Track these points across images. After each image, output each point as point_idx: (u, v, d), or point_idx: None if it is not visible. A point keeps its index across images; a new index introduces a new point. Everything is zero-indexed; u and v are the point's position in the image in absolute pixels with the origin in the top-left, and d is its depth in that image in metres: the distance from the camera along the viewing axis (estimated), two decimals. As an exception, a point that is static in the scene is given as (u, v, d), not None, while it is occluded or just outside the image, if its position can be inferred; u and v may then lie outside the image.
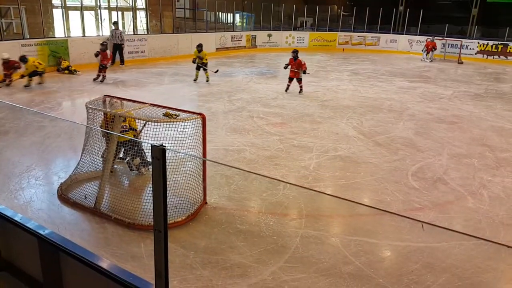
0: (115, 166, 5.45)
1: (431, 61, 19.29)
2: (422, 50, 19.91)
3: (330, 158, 6.54)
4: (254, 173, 5.78)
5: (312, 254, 3.98)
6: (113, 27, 14.83)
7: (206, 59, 12.11)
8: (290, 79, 11.16)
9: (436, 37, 19.85)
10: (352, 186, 5.61)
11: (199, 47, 11.81)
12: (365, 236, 4.32)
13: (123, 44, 14.65)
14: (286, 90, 11.21)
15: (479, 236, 4.31)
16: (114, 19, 17.79)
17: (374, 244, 4.23)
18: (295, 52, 11.06)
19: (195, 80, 12.14)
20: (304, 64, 10.94)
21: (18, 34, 13.80)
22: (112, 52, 13.87)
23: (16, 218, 2.46)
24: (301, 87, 11.16)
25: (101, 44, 11.59)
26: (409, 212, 4.90)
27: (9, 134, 7.09)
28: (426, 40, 19.85)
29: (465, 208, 5.07)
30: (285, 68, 11.11)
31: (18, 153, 6.22)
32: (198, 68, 12.09)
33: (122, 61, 14.71)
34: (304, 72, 10.98)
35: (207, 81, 12.11)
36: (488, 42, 20.35)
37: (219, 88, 11.60)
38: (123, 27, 18.61)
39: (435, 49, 19.49)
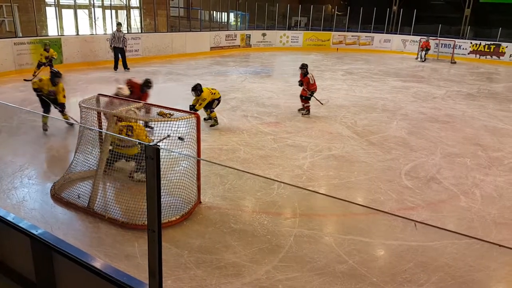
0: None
1: (423, 60, 19.36)
2: (418, 50, 19.97)
3: (324, 157, 6.56)
4: (248, 173, 5.79)
5: (306, 253, 3.99)
6: (116, 29, 13.23)
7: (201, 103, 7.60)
8: (301, 97, 9.10)
9: (430, 37, 19.95)
10: (346, 185, 5.63)
11: (197, 90, 7.57)
12: (358, 235, 4.34)
13: (125, 47, 13.21)
14: (307, 113, 9.03)
15: (472, 235, 4.35)
16: (107, 18, 17.73)
17: (367, 243, 4.25)
18: (304, 67, 8.90)
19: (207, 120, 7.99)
20: (312, 84, 8.88)
21: (11, 32, 13.71)
22: (114, 57, 13.12)
23: (8, 218, 2.44)
24: (306, 107, 9.00)
25: (147, 86, 7.45)
26: (402, 211, 4.93)
27: (2, 133, 7.04)
28: (423, 41, 19.88)
29: (457, 207, 5.11)
30: (300, 85, 9.03)
31: (11, 152, 6.17)
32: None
33: (125, 66, 13.25)
34: (311, 93, 8.87)
35: (212, 125, 7.84)
36: (480, 42, 20.50)
37: (213, 87, 11.55)
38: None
39: (428, 49, 19.57)
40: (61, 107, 7.11)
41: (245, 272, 3.67)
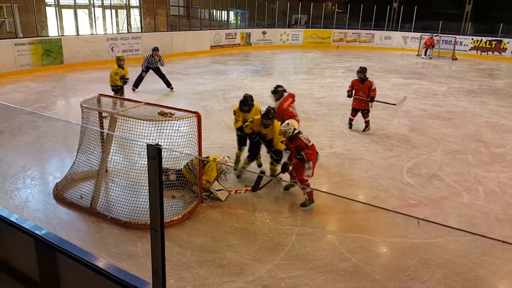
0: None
1: (430, 57, 19.29)
2: (422, 48, 19.90)
3: (325, 155, 6.55)
4: (250, 171, 5.78)
5: (309, 251, 3.99)
6: (151, 53, 10.91)
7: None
8: (355, 111, 7.82)
9: (434, 34, 19.89)
10: (348, 183, 5.63)
11: (247, 104, 5.64)
12: (360, 233, 4.34)
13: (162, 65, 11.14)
14: (350, 127, 7.93)
15: (474, 231, 4.34)
16: (107, 17, 17.72)
17: (370, 241, 4.25)
18: (363, 71, 7.55)
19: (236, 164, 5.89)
20: (375, 88, 7.58)
21: (11, 33, 13.71)
22: (140, 76, 10.75)
23: (12, 219, 2.45)
24: (367, 122, 7.78)
25: (275, 91, 6.25)
26: (404, 209, 4.92)
27: (3, 134, 7.04)
28: (426, 38, 19.79)
29: (460, 203, 5.10)
30: (349, 96, 7.71)
31: (13, 153, 6.18)
32: (243, 142, 5.86)
33: (169, 84, 11.12)
34: (372, 100, 7.56)
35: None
36: (482, 38, 20.46)
37: (214, 86, 11.58)
38: (117, 25, 18.54)
39: (433, 46, 19.49)
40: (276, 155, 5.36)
41: (247, 271, 3.68)
